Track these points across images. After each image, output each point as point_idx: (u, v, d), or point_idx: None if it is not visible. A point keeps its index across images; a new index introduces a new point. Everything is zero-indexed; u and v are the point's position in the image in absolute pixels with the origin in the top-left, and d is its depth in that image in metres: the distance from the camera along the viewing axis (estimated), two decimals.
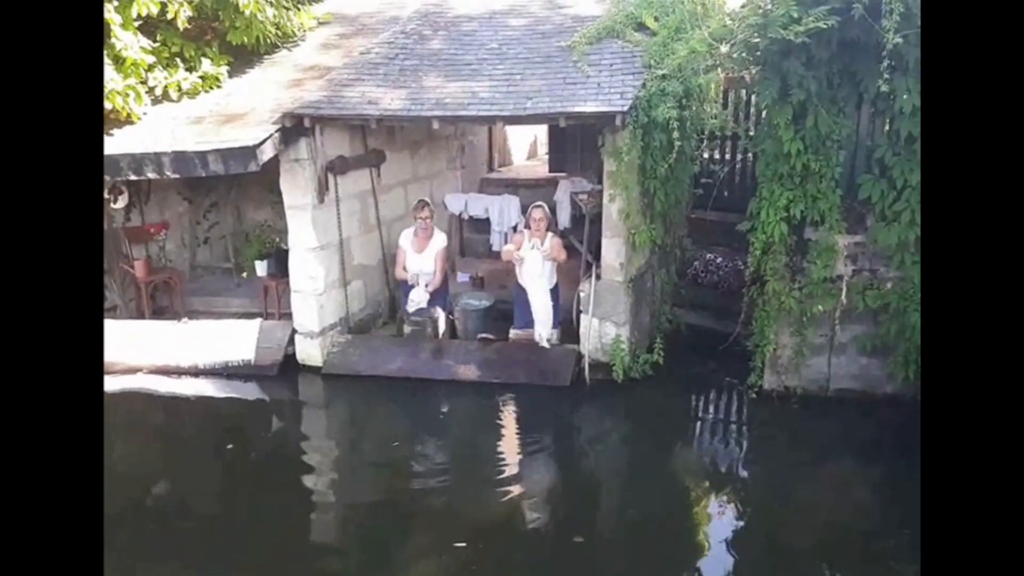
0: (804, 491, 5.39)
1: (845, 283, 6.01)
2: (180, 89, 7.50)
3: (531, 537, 4.87)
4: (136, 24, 7.04)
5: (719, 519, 5.12)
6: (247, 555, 4.62)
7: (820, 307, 6.03)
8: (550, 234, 6.86)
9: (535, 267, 6.79)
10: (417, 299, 7.14)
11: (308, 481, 5.66)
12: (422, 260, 7.22)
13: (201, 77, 7.64)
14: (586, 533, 4.91)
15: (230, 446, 6.11)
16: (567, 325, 7.13)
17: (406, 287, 7.25)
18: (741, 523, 5.01)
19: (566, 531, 4.85)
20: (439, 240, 7.29)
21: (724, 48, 6.28)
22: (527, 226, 6.97)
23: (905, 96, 5.33)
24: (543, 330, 6.87)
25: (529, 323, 6.96)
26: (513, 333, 7.08)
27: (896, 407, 6.00)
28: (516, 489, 5.42)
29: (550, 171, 10.44)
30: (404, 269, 7.30)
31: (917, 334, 5.64)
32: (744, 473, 5.75)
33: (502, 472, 5.65)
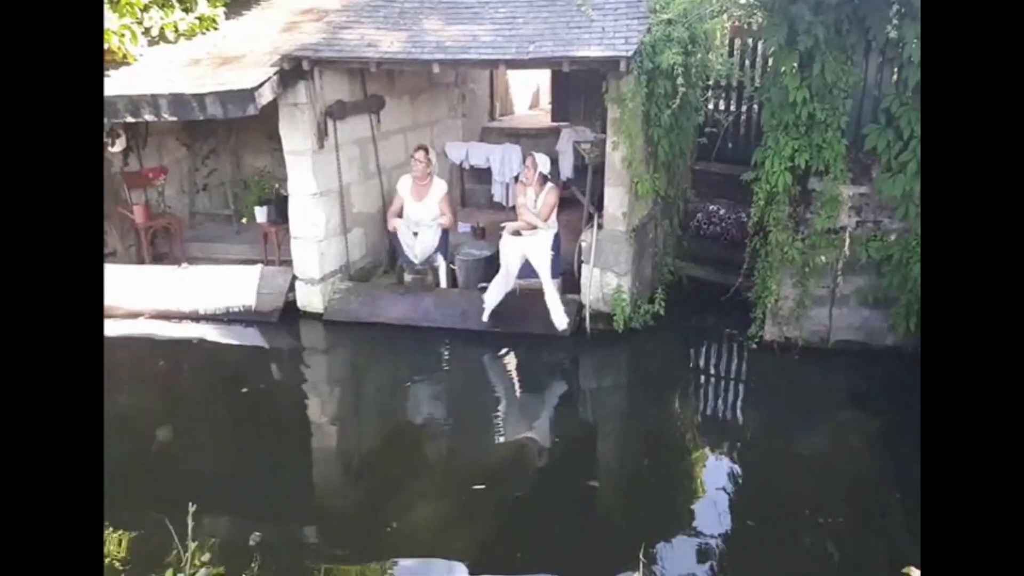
0: (802, 441, 5.45)
1: (848, 234, 5.97)
2: (177, 30, 7.36)
3: (546, 481, 4.94)
4: None
5: (718, 467, 5.18)
6: (254, 497, 4.67)
7: (823, 258, 6.00)
8: (549, 184, 6.73)
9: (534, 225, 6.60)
10: (420, 249, 7.07)
11: (316, 425, 5.73)
12: (420, 209, 7.09)
13: (198, 18, 7.49)
14: (598, 478, 4.98)
15: (244, 390, 6.13)
16: (568, 275, 7.11)
17: (396, 239, 7.18)
18: (739, 471, 5.07)
19: (579, 475, 4.90)
20: (440, 187, 7.13)
21: None
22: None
23: (914, 43, 5.21)
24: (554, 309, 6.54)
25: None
26: (516, 282, 7.03)
27: (897, 359, 6.01)
28: (524, 435, 5.49)
29: (552, 121, 10.30)
30: (399, 216, 7.12)
31: (919, 286, 5.63)
32: (743, 423, 5.81)
33: (507, 419, 5.70)
